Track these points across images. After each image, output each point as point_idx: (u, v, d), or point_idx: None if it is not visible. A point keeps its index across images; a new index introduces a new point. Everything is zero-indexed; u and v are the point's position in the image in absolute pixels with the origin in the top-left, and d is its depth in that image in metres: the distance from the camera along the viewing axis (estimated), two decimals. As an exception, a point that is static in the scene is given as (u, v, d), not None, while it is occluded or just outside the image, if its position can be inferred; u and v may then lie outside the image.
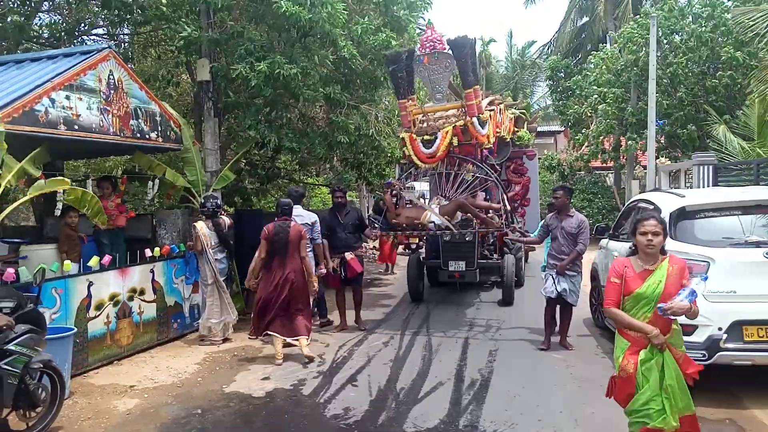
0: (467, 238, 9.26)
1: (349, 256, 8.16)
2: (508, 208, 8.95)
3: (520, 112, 11.95)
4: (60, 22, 9.51)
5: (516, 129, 11.50)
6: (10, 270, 5.64)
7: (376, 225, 9.00)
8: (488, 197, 9.52)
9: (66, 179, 6.42)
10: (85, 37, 10.39)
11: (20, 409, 4.47)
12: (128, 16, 9.21)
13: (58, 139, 6.49)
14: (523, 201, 12.21)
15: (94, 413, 5.30)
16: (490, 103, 9.12)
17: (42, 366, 4.52)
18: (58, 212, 7.42)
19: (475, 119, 7.99)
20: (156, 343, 7.42)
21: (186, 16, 8.65)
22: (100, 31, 10.65)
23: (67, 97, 6.45)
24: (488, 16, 71.72)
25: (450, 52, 8.03)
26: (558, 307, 7.26)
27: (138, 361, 6.92)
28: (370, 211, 10.86)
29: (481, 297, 10.76)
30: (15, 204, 6.16)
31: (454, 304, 10.17)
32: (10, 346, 4.16)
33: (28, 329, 4.34)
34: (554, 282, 7.03)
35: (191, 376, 6.36)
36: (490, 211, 8.88)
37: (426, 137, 8.18)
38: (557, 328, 7.31)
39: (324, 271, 8.03)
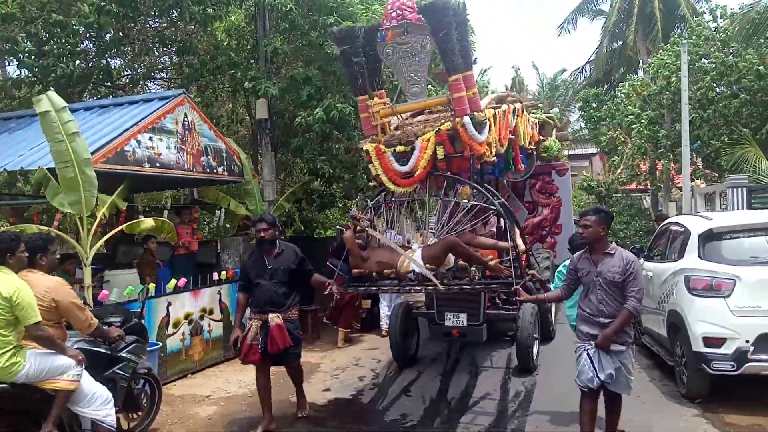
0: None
1: (274, 320, 5.35)
2: (522, 248, 6.44)
3: (546, 117, 9.41)
4: (134, 66, 10.51)
5: (541, 137, 9.02)
6: (105, 291, 6.45)
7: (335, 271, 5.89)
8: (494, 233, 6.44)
9: (148, 219, 7.27)
10: (151, 82, 11.42)
11: (126, 410, 5.15)
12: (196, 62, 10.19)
13: (141, 175, 7.32)
14: (554, 228, 10.11)
15: (179, 418, 6.01)
16: (500, 101, 7.07)
17: (145, 373, 5.23)
18: (138, 239, 8.48)
19: (467, 119, 5.61)
20: (222, 359, 8.12)
21: (249, 61, 9.58)
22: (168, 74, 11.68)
23: (150, 139, 7.31)
24: (517, 47, 73.39)
25: (425, 23, 5.68)
26: (601, 395, 4.69)
27: (209, 374, 7.63)
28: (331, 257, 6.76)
29: (492, 360, 7.98)
30: (109, 234, 6.96)
31: (447, 370, 7.57)
32: (122, 354, 4.87)
33: (134, 339, 5.06)
34: (592, 363, 4.47)
35: (260, 388, 7.03)
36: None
37: (399, 148, 5.88)
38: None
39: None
